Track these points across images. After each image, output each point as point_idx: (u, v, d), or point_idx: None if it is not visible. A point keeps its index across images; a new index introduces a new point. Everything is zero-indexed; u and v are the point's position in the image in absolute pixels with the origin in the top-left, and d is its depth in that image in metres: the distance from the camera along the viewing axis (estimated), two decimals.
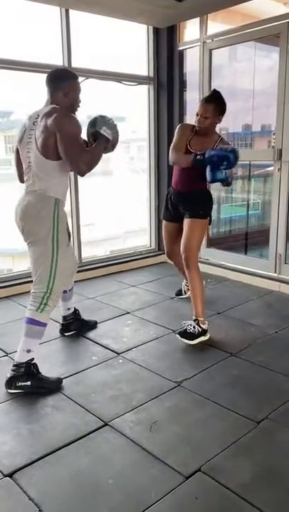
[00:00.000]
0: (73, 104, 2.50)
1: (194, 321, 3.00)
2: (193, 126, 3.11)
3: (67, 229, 2.52)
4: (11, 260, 5.01)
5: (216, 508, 1.65)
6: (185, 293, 3.81)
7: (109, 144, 2.51)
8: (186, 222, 3.09)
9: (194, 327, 2.97)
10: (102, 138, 2.47)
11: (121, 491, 1.71)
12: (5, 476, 1.80)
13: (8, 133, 4.90)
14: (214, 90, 3.00)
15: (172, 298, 3.86)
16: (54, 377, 2.49)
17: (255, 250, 4.80)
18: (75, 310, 3.16)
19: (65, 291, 3.00)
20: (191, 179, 3.08)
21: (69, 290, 3.04)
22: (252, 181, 5.14)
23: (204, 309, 3.06)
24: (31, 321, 2.41)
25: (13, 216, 2.53)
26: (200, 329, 2.97)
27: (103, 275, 4.54)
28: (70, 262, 2.55)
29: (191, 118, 4.82)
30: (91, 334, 3.14)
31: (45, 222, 2.39)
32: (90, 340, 3.06)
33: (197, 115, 3.02)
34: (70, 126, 2.30)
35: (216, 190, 5.19)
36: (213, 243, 4.88)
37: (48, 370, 2.59)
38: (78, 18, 4.07)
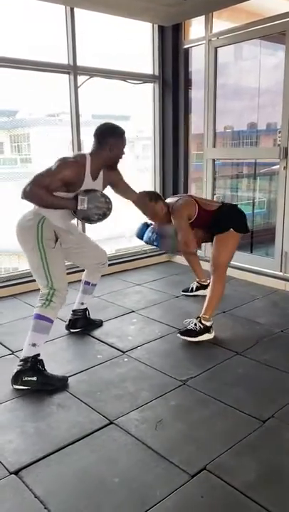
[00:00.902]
0: (116, 158, 2.70)
1: (196, 318, 3.01)
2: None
3: (55, 235, 2.58)
4: (17, 259, 5.03)
5: (222, 506, 1.64)
6: (194, 290, 3.83)
7: (77, 213, 2.55)
8: (214, 239, 3.16)
9: (196, 324, 2.98)
10: (74, 201, 2.53)
11: (126, 489, 1.72)
12: (11, 474, 1.81)
13: (14, 132, 4.92)
14: (139, 193, 3.15)
15: (177, 296, 3.86)
16: (60, 375, 2.50)
17: (260, 249, 4.79)
18: (86, 308, 3.19)
19: (87, 283, 3.12)
20: (203, 225, 3.19)
21: (92, 284, 3.13)
22: (257, 180, 5.12)
23: (213, 312, 3.06)
24: (38, 316, 2.48)
25: None
26: (202, 326, 2.97)
27: (108, 274, 4.53)
28: (61, 261, 2.63)
29: (196, 116, 4.83)
30: (96, 332, 3.15)
31: (31, 232, 2.52)
32: (96, 338, 3.06)
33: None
34: (59, 164, 2.48)
35: (221, 188, 5.20)
36: None
37: (54, 368, 2.60)
38: (83, 17, 4.07)
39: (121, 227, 5.50)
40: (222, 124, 4.84)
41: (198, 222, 3.14)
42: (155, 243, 3.17)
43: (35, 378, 2.40)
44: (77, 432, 2.06)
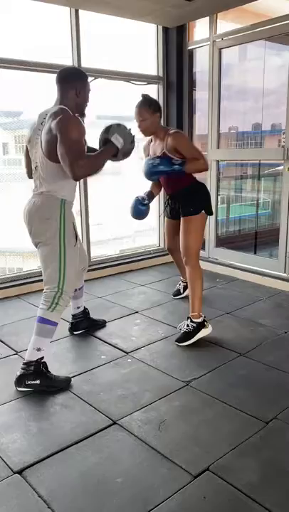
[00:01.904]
0: (83, 103, 2.49)
1: (187, 319, 3.00)
2: (149, 140, 3.19)
3: (75, 229, 2.51)
4: (21, 259, 5.05)
5: (224, 507, 1.65)
6: (182, 292, 3.83)
7: (120, 153, 2.44)
8: (182, 221, 3.06)
9: (188, 325, 2.97)
10: (109, 145, 2.42)
11: (129, 490, 1.72)
12: (14, 473, 1.82)
13: (18, 133, 4.93)
14: (142, 95, 3.01)
15: (181, 298, 3.86)
16: (63, 376, 2.51)
17: (264, 250, 4.78)
18: (85, 309, 3.18)
19: (75, 290, 3.02)
20: (171, 182, 3.12)
21: (79, 289, 3.06)
22: (262, 181, 5.12)
23: (201, 305, 3.03)
24: (42, 320, 2.43)
25: (22, 218, 2.55)
26: (194, 325, 2.95)
27: (112, 274, 4.56)
28: (77, 262, 2.55)
29: (200, 118, 4.84)
30: (100, 333, 3.15)
31: (52, 223, 2.40)
32: (99, 339, 3.07)
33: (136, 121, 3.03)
34: (71, 129, 2.25)
35: (225, 189, 5.20)
36: (222, 243, 4.87)
37: (57, 368, 2.61)
38: (88, 18, 4.08)
39: (125, 228, 5.52)
40: (226, 125, 4.84)
41: (174, 179, 3.04)
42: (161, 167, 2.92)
43: (38, 382, 2.39)
44: (81, 432, 2.06)
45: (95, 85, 4.29)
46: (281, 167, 4.16)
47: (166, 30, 4.73)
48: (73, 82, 2.41)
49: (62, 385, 2.45)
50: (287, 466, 1.84)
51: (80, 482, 1.77)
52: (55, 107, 2.40)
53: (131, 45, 4.62)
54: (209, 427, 2.10)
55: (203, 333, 2.97)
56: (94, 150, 2.49)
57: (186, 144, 2.94)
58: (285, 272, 4.12)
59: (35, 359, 2.41)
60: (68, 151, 2.20)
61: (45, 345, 2.44)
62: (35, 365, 2.40)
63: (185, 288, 3.82)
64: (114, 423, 2.13)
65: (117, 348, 2.93)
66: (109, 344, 2.98)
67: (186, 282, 3.82)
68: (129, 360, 2.77)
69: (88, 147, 2.51)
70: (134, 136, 2.49)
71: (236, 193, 5.44)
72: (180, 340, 2.95)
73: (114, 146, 2.40)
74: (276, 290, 4.02)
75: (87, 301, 3.71)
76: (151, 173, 2.96)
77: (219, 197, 4.84)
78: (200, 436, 2.03)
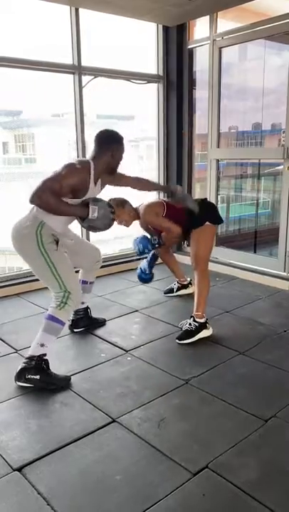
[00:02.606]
0: (117, 164, 2.71)
1: (190, 318, 3.03)
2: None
3: (54, 239, 2.53)
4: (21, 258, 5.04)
5: (223, 505, 1.65)
6: (175, 291, 3.86)
7: (86, 222, 2.54)
8: (191, 234, 3.17)
9: (190, 324, 2.99)
10: (85, 208, 2.51)
11: (128, 487, 1.72)
12: (14, 471, 1.82)
13: (18, 132, 4.94)
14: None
15: (180, 296, 3.86)
16: (63, 374, 2.52)
17: (264, 249, 4.79)
18: (87, 307, 3.20)
19: (85, 282, 3.12)
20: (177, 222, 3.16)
21: (90, 283, 3.15)
22: (262, 180, 5.13)
23: (205, 308, 3.06)
24: (51, 318, 2.49)
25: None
26: (197, 324, 2.98)
27: (112, 273, 4.56)
28: (68, 261, 2.60)
29: (200, 117, 4.84)
30: (100, 331, 3.16)
31: (31, 238, 2.48)
32: (99, 337, 3.07)
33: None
34: (65, 169, 2.45)
35: (225, 188, 5.21)
36: (222, 242, 4.87)
37: (57, 366, 2.61)
38: (88, 17, 4.08)
39: (124, 228, 5.51)
40: (226, 124, 4.84)
41: (173, 220, 3.14)
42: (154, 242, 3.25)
43: (38, 377, 2.41)
44: (80, 429, 2.07)
45: (95, 84, 4.31)
46: (281, 166, 4.16)
47: (166, 29, 4.73)
48: (111, 144, 2.64)
49: (62, 383, 2.46)
50: (286, 464, 1.85)
51: (80, 479, 1.77)
52: (81, 160, 2.64)
53: (131, 44, 4.62)
54: (208, 425, 2.11)
55: (204, 333, 2.99)
56: (85, 203, 2.56)
57: (153, 220, 3.19)
58: (284, 271, 4.12)
59: (37, 354, 2.44)
60: (46, 180, 2.39)
61: (49, 342, 2.47)
62: (37, 360, 2.43)
63: (178, 288, 3.85)
64: (114, 421, 2.13)
65: (117, 346, 2.93)
66: (109, 342, 2.99)
67: (181, 283, 3.84)
68: (128, 358, 2.77)
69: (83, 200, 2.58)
70: (110, 222, 2.62)
71: (236, 193, 5.45)
72: (181, 338, 2.96)
73: (86, 213, 2.50)
74: (276, 289, 4.03)
75: None
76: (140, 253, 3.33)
77: (219, 196, 4.84)
78: (199, 434, 2.03)
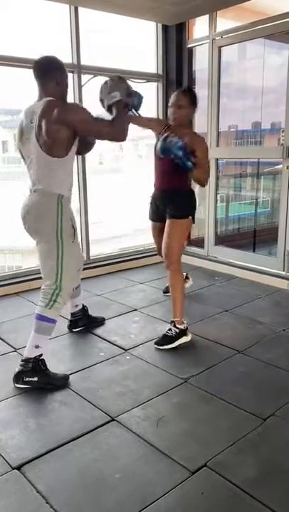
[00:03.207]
0: (64, 90, 2.47)
1: (171, 323, 2.95)
2: (166, 124, 3.06)
3: (73, 226, 2.47)
4: (21, 257, 5.06)
5: (222, 503, 1.65)
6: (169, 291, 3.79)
7: (128, 103, 2.43)
8: (167, 223, 2.99)
9: (170, 329, 2.92)
10: (115, 106, 2.41)
11: (127, 486, 1.73)
12: (13, 469, 1.82)
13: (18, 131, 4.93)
14: (188, 86, 2.96)
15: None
16: (61, 373, 2.51)
17: (263, 248, 4.79)
18: (84, 307, 3.19)
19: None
20: (170, 177, 2.98)
21: (76, 288, 3.03)
22: (261, 179, 5.13)
23: (182, 311, 2.96)
24: (40, 318, 2.43)
25: (20, 216, 2.53)
26: (177, 330, 2.90)
27: (111, 272, 4.56)
28: (76, 259, 2.54)
29: (199, 116, 4.83)
30: (99, 330, 3.16)
31: (49, 220, 2.38)
32: (98, 336, 3.08)
33: (171, 106, 2.93)
34: (78, 113, 2.32)
35: (224, 187, 5.20)
36: (221, 241, 4.88)
37: (56, 365, 2.61)
38: (87, 16, 4.08)
39: (124, 226, 5.53)
40: (226, 123, 4.84)
41: (176, 171, 2.88)
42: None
43: (36, 379, 2.40)
44: (79, 428, 2.07)
45: (94, 83, 4.30)
46: (280, 165, 4.16)
47: (165, 28, 4.72)
48: (52, 72, 2.40)
49: (60, 382, 2.45)
50: (285, 463, 1.85)
51: (79, 478, 1.77)
52: (42, 101, 2.35)
53: (130, 43, 4.62)
54: (207, 423, 2.11)
55: (183, 340, 2.91)
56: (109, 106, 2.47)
57: (206, 153, 2.92)
58: (283, 270, 4.13)
59: (33, 356, 2.42)
60: (95, 128, 2.31)
61: (43, 343, 2.44)
62: (33, 362, 2.41)
63: None
64: (113, 419, 2.14)
65: (116, 345, 2.93)
66: (108, 341, 2.99)
67: None
68: (127, 357, 2.77)
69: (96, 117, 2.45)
70: (128, 86, 2.49)
71: (235, 192, 5.45)
72: (160, 343, 2.88)
73: (118, 103, 2.40)
74: (275, 288, 4.03)
75: (86, 298, 3.71)
76: (165, 149, 2.73)
77: (218, 195, 4.84)
78: (198, 433, 2.04)
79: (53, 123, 2.26)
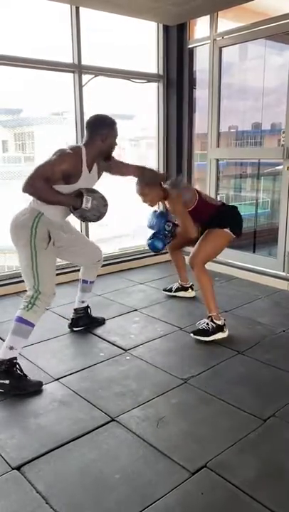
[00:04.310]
0: (109, 149, 2.68)
1: (208, 318, 3.00)
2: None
3: (49, 235, 2.54)
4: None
5: (222, 503, 1.65)
6: (173, 291, 3.82)
7: (77, 212, 2.54)
8: (206, 231, 3.12)
9: (208, 324, 2.97)
10: (77, 199, 2.51)
11: (127, 486, 1.73)
12: (13, 469, 1.82)
13: (18, 130, 4.93)
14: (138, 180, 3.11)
15: (180, 295, 3.86)
16: (35, 380, 2.44)
17: (263, 249, 4.79)
18: (87, 306, 3.19)
19: (85, 282, 3.09)
20: (197, 217, 3.12)
21: (90, 282, 3.11)
22: (261, 180, 5.13)
23: (217, 306, 3.04)
24: (20, 320, 2.44)
25: None
26: (214, 325, 2.96)
27: (111, 272, 4.56)
28: (52, 264, 2.61)
29: (200, 116, 4.84)
30: (99, 330, 3.16)
31: (25, 231, 2.49)
32: (98, 336, 3.07)
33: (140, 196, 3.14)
34: (56, 154, 2.46)
35: (224, 188, 5.20)
36: None
37: (56, 365, 2.62)
38: (88, 16, 4.08)
39: (125, 226, 5.52)
40: (226, 123, 4.84)
41: (196, 215, 3.07)
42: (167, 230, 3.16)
43: (7, 382, 2.36)
44: (79, 428, 2.07)
45: (95, 83, 4.31)
46: (280, 166, 4.16)
47: (166, 28, 4.73)
48: (101, 129, 2.59)
49: (32, 389, 2.38)
50: (285, 464, 1.85)
51: (78, 478, 1.77)
52: (72, 146, 2.59)
53: (131, 43, 4.62)
54: (207, 424, 2.11)
55: (220, 335, 2.96)
56: (79, 193, 2.56)
57: (174, 208, 3.08)
58: (283, 271, 4.13)
59: (7, 358, 2.39)
60: (38, 167, 2.40)
61: (18, 345, 2.43)
62: (6, 364, 2.38)
63: (178, 289, 3.82)
64: (113, 420, 2.13)
65: (116, 345, 2.93)
66: (108, 341, 2.99)
67: (181, 285, 3.82)
68: (127, 357, 2.77)
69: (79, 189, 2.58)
70: (102, 214, 2.61)
71: (236, 192, 5.45)
72: (197, 333, 2.95)
73: (79, 203, 2.50)
74: (275, 289, 4.03)
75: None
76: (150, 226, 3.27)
77: (219, 196, 4.84)
78: (198, 434, 2.03)
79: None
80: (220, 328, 2.98)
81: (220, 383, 2.45)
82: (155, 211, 3.29)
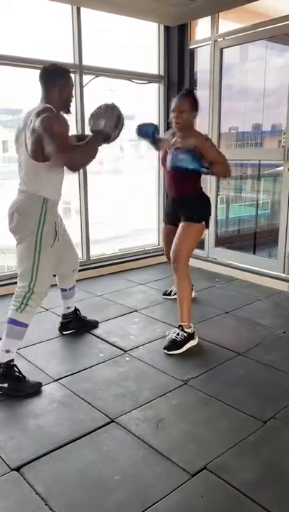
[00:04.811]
0: (67, 100, 2.47)
1: (178, 327, 2.93)
2: (172, 132, 3.09)
3: (56, 229, 2.46)
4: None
5: (222, 506, 1.65)
6: (172, 294, 3.76)
7: (103, 135, 2.37)
8: (180, 225, 3.00)
9: (178, 334, 2.88)
10: (94, 135, 2.38)
11: (127, 488, 1.72)
12: (12, 470, 1.81)
13: None
14: (186, 89, 2.97)
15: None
16: (33, 381, 2.42)
17: (263, 250, 4.78)
18: (76, 309, 3.14)
19: (64, 290, 3.00)
20: (180, 185, 3.02)
21: (70, 289, 3.02)
22: (261, 181, 5.12)
23: (190, 315, 2.94)
24: (12, 322, 2.38)
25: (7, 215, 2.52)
26: (185, 334, 2.88)
27: (111, 273, 4.56)
28: (54, 263, 2.52)
29: (200, 117, 4.82)
30: (98, 331, 3.15)
31: (31, 222, 2.38)
32: (98, 337, 3.07)
33: (173, 111, 2.91)
34: (56, 126, 2.23)
35: (225, 189, 5.20)
36: (221, 242, 4.87)
37: (56, 365, 2.61)
38: (89, 16, 4.08)
39: (124, 227, 5.52)
40: (227, 124, 4.83)
41: (187, 178, 2.95)
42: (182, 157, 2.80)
43: (6, 385, 2.34)
44: (79, 429, 2.06)
45: (96, 83, 4.30)
46: (281, 168, 4.16)
47: (167, 29, 4.72)
48: (55, 79, 2.40)
49: (32, 390, 2.37)
50: (285, 466, 1.85)
51: (78, 480, 1.77)
52: (40, 105, 2.37)
53: (132, 44, 4.62)
54: (207, 425, 2.10)
55: (191, 343, 2.90)
56: (82, 137, 2.45)
57: (213, 148, 2.94)
58: (284, 272, 4.12)
59: (4, 361, 2.36)
60: (59, 148, 2.21)
61: (14, 347, 2.40)
62: (4, 368, 2.36)
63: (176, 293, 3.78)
64: (112, 421, 2.13)
65: (116, 346, 2.92)
66: (108, 342, 2.98)
67: None
68: (127, 358, 2.77)
69: (76, 135, 2.46)
70: (119, 120, 2.40)
71: (236, 193, 5.44)
72: (169, 348, 2.84)
73: (96, 132, 2.35)
74: (275, 290, 4.03)
75: (86, 299, 3.72)
76: (176, 166, 2.83)
77: (219, 197, 4.84)
78: (198, 435, 2.03)
79: (36, 129, 2.24)
80: (190, 336, 2.90)
81: (220, 385, 2.45)
82: (184, 158, 2.81)
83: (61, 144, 2.22)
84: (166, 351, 2.83)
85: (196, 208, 3.01)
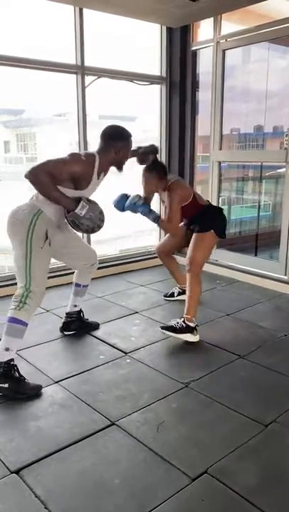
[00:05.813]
0: (121, 161, 2.71)
1: (181, 318, 3.02)
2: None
3: (46, 234, 2.52)
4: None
5: (223, 510, 1.63)
6: (176, 295, 3.81)
7: (70, 216, 2.51)
8: (193, 236, 3.19)
9: (178, 323, 2.98)
10: (75, 204, 2.48)
11: (127, 491, 1.71)
12: (11, 473, 1.80)
13: (20, 131, 4.93)
14: (150, 163, 3.13)
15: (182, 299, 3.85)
16: (33, 383, 2.42)
17: (265, 252, 4.77)
18: (80, 310, 3.16)
19: (78, 285, 3.07)
20: (183, 214, 3.18)
21: (83, 286, 3.09)
22: (263, 182, 5.12)
23: (195, 311, 3.06)
24: (12, 320, 2.41)
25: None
26: (184, 325, 2.96)
27: (112, 274, 4.55)
28: (46, 263, 2.59)
29: (203, 118, 4.83)
30: (99, 333, 3.14)
31: (23, 227, 2.46)
32: (98, 339, 3.06)
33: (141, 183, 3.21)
34: (70, 157, 2.49)
35: (226, 190, 5.19)
36: (222, 244, 4.86)
37: (56, 367, 2.60)
38: (92, 17, 4.08)
39: (125, 228, 5.50)
40: (229, 126, 4.83)
41: (186, 212, 3.16)
42: (140, 209, 3.09)
43: (6, 385, 2.34)
44: (79, 432, 2.05)
45: (98, 84, 4.30)
46: (283, 169, 4.15)
47: (170, 30, 4.72)
48: (114, 141, 2.62)
49: (32, 392, 2.36)
50: (286, 470, 1.83)
51: (78, 482, 1.76)
52: (84, 151, 2.69)
53: (134, 45, 4.62)
54: (208, 429, 2.09)
55: (188, 337, 2.95)
56: (78, 199, 2.55)
57: (173, 201, 3.07)
58: (285, 275, 4.11)
59: (4, 360, 2.37)
60: (49, 161, 2.41)
61: (14, 346, 2.41)
62: (4, 367, 2.36)
63: (179, 293, 3.80)
64: (113, 424, 2.12)
65: (116, 348, 2.92)
66: (109, 344, 2.97)
67: (182, 289, 3.80)
68: (128, 360, 2.76)
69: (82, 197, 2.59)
70: (95, 227, 2.57)
71: (237, 195, 5.44)
72: (166, 328, 2.98)
73: (75, 206, 2.48)
74: (276, 292, 4.01)
75: (87, 300, 3.70)
76: (129, 208, 3.14)
77: (220, 198, 4.83)
78: (198, 439, 2.02)
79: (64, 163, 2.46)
80: (190, 330, 2.97)
81: (221, 388, 2.43)
82: (135, 196, 3.15)
83: (51, 166, 2.41)
84: (160, 329, 3.01)
85: (201, 220, 3.19)
